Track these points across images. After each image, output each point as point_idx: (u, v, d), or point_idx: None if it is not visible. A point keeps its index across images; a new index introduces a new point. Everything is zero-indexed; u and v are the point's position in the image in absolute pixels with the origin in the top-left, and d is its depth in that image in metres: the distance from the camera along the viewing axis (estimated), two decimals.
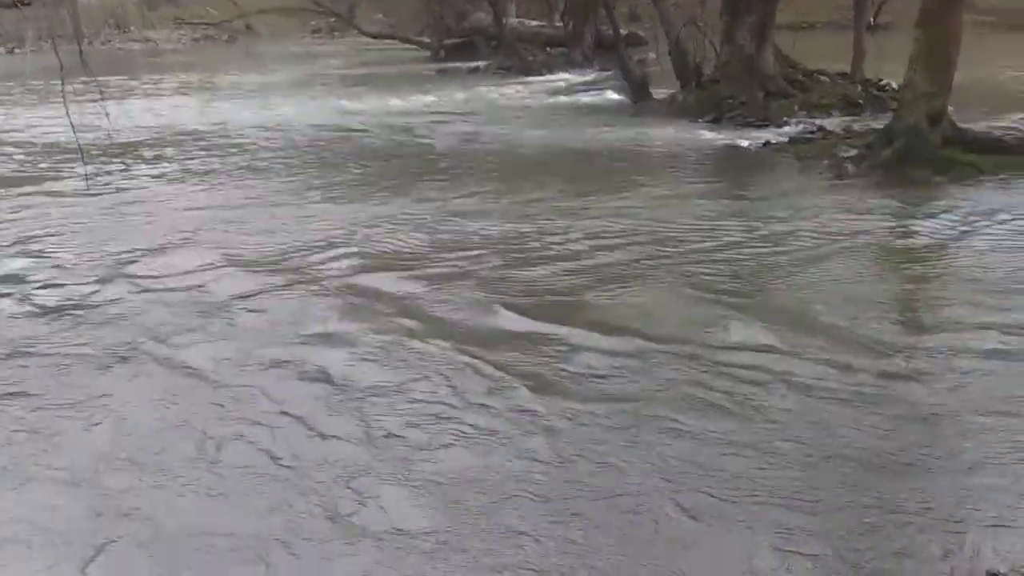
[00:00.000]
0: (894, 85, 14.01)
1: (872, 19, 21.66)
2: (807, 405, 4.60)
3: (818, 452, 4.14)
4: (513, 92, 18.47)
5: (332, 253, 7.52)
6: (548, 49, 23.45)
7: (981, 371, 4.93)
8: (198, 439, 4.40)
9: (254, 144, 13.23)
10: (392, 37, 29.52)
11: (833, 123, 12.65)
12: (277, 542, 3.56)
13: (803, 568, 3.31)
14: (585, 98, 17.21)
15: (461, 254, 7.41)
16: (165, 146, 13.26)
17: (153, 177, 11.15)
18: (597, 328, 5.71)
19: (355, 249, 7.61)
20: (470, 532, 3.58)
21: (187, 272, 7.09)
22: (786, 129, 12.53)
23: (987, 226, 7.83)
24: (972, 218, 8.07)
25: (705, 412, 4.54)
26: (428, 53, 26.90)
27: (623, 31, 18.74)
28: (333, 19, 33.90)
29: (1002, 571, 3.03)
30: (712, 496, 3.78)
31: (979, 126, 10.67)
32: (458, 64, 23.61)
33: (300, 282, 6.78)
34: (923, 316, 6.15)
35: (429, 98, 17.82)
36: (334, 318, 6.05)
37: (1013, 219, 8.01)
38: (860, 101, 14.04)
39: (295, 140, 13.57)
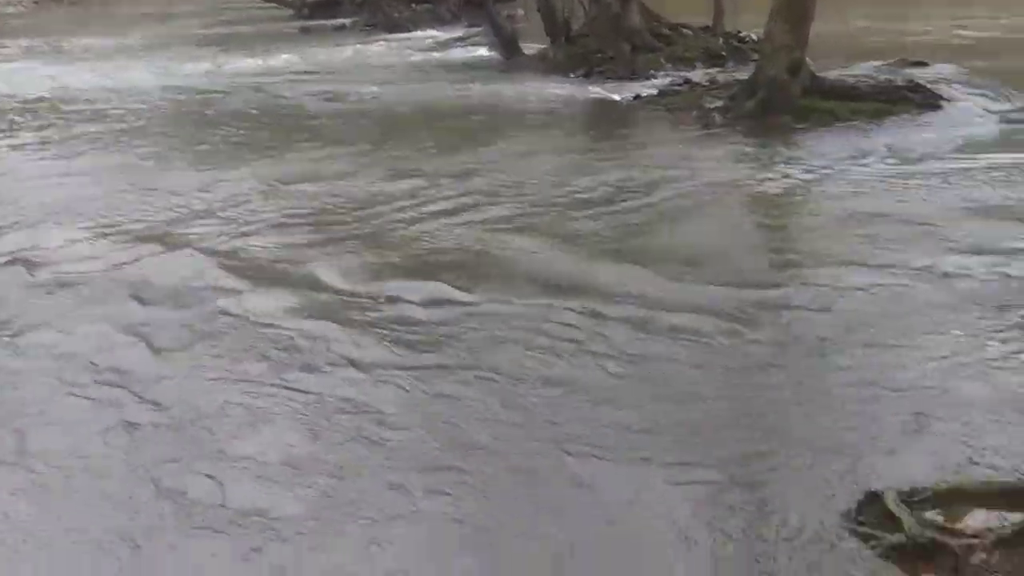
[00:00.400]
0: (754, 37, 14.49)
1: None
2: (689, 342, 4.80)
3: (706, 386, 4.34)
4: (381, 50, 18.17)
5: (201, 221, 7.32)
6: (414, 5, 23.13)
7: (848, 301, 5.25)
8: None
9: (112, 110, 12.62)
10: None
11: (698, 75, 12.98)
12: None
13: (698, 493, 3.49)
14: (455, 55, 17.09)
15: (337, 216, 7.34)
16: (17, 115, 12.50)
17: (10, 148, 10.53)
18: (488, 280, 5.79)
19: (227, 215, 7.43)
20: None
21: (54, 246, 6.77)
22: (654, 82, 12.80)
23: (846, 169, 8.27)
24: (832, 162, 8.50)
25: (595, 355, 4.68)
26: (290, 11, 26.09)
27: None
28: None
29: (881, 490, 3.24)
30: (606, 429, 3.92)
31: (834, 75, 11.19)
32: (322, 22, 23.03)
33: (169, 249, 6.61)
34: (793, 255, 6.48)
35: (293, 57, 17.33)
36: (208, 281, 5.93)
37: (869, 161, 8.49)
38: (722, 53, 14.46)
39: (155, 105, 13.04)
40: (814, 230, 6.80)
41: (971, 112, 10.38)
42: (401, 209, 7.38)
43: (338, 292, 5.70)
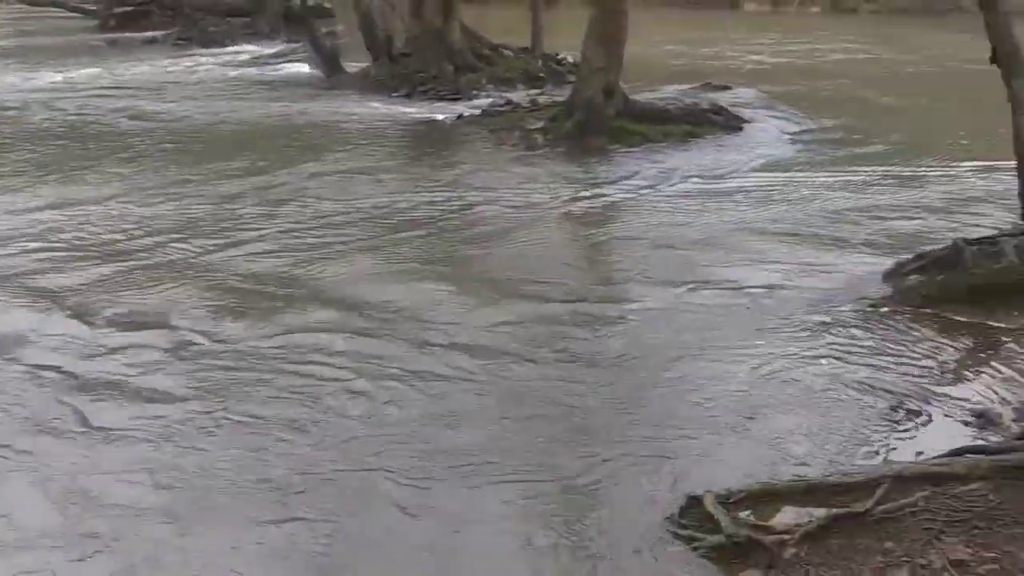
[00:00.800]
0: (571, 59, 15.02)
1: None
2: (507, 360, 4.97)
3: (526, 403, 4.50)
4: (194, 65, 17.55)
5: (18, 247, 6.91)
6: (230, 19, 22.45)
7: (660, 316, 5.57)
8: None
9: None
10: (52, 4, 26.82)
11: (519, 96, 13.29)
12: None
13: (526, 507, 3.63)
14: (274, 72, 16.73)
15: (145, 241, 7.10)
16: None
17: None
18: (305, 305, 5.77)
19: (28, 243, 7.03)
20: None
21: None
22: (477, 102, 13.02)
23: (657, 189, 8.74)
24: (644, 182, 8.98)
25: (421, 375, 4.76)
26: (96, 22, 24.75)
27: (309, 2, 18.39)
28: None
29: (700, 494, 3.48)
30: (429, 452, 4.01)
31: (645, 97, 11.78)
32: (131, 35, 21.95)
33: None
34: (609, 273, 6.82)
35: (98, 72, 16.47)
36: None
37: (678, 182, 9.00)
38: (541, 75, 14.89)
39: None
40: (627, 248, 7.15)
41: (770, 134, 11.19)
42: (207, 235, 7.20)
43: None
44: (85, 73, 16.22)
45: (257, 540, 3.46)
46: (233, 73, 16.54)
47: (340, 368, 4.87)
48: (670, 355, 5.02)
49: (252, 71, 16.77)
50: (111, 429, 4.26)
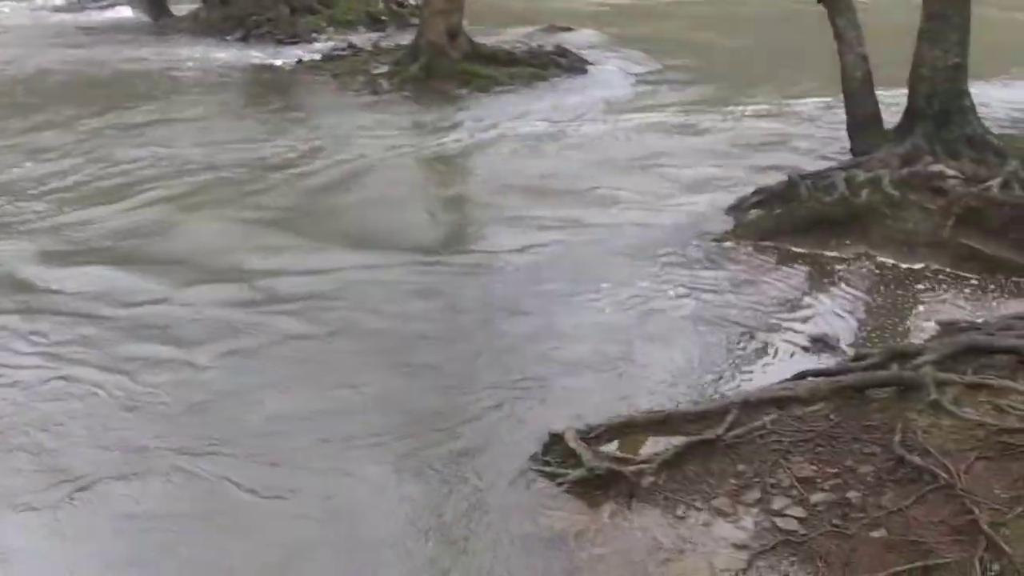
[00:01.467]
0: (413, 1, 14.71)
1: None
2: (363, 312, 4.90)
3: (384, 358, 4.44)
4: (9, 9, 16.21)
5: None
6: None
7: (518, 257, 5.60)
8: None
9: None
10: None
11: (361, 39, 12.94)
12: None
13: (398, 455, 3.60)
14: (95, 15, 15.64)
15: None
16: None
17: None
18: (143, 264, 5.50)
19: None
20: None
21: None
22: (317, 46, 12.59)
23: (505, 131, 8.70)
24: (492, 125, 8.92)
25: (277, 330, 4.63)
26: None
27: None
28: None
29: (561, 431, 3.53)
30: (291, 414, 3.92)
31: (490, 41, 11.69)
32: None
33: None
34: (458, 217, 6.77)
35: None
36: None
37: (525, 124, 8.99)
38: (384, 17, 14.51)
39: None
40: (477, 192, 7.15)
41: (613, 75, 11.31)
42: (45, 193, 6.73)
43: None
44: None
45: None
46: (50, 18, 15.36)
47: (187, 329, 4.66)
48: (524, 298, 5.05)
49: (69, 16, 15.61)
50: None
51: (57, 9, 16.24)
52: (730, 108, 9.54)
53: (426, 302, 5.02)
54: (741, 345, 4.44)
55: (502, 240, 5.91)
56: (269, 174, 7.28)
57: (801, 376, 3.84)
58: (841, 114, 6.88)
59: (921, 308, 4.93)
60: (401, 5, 15.14)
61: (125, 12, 15.40)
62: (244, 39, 13.02)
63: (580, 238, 5.94)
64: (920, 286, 5.15)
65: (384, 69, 10.75)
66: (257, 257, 5.60)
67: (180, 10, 14.64)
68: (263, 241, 5.90)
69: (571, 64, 11.36)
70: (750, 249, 5.63)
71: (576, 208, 6.49)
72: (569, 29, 14.10)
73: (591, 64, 11.58)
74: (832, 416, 3.49)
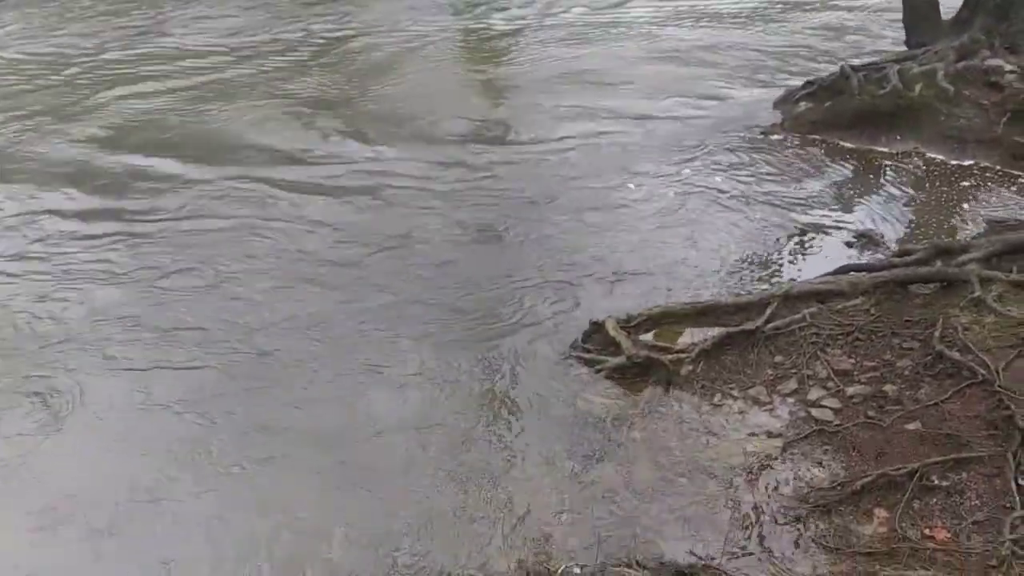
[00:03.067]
0: None
1: None
2: (416, 204, 4.93)
3: (432, 249, 4.49)
4: None
5: None
6: None
7: (562, 148, 5.57)
8: None
9: None
10: None
11: None
12: None
13: (441, 338, 3.69)
14: None
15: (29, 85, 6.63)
16: None
17: None
18: (199, 147, 5.54)
19: None
20: None
21: None
22: None
23: (543, 19, 8.57)
24: (530, 12, 8.77)
25: (321, 222, 4.69)
26: None
27: None
28: None
29: (602, 319, 3.58)
30: (346, 300, 4.00)
31: None
32: None
33: None
34: (499, 108, 6.68)
35: None
36: None
37: (563, 11, 8.78)
38: None
39: None
40: (518, 81, 7.04)
41: None
42: (79, 77, 6.78)
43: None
44: None
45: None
46: None
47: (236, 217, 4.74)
48: (569, 189, 5.04)
49: None
50: None
51: None
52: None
53: (467, 192, 5.04)
54: (784, 238, 4.42)
55: (542, 131, 5.87)
56: (304, 59, 7.24)
57: (844, 270, 3.84)
58: (898, 4, 6.61)
59: (968, 205, 4.86)
60: None
61: None
62: None
63: (625, 128, 5.87)
64: (968, 183, 5.06)
65: None
66: (300, 142, 5.63)
67: None
68: (304, 130, 5.90)
69: None
70: (797, 142, 5.54)
71: (619, 99, 6.40)
72: None
73: None
74: (872, 311, 3.50)
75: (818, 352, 3.34)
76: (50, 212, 4.83)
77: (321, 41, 7.67)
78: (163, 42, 7.71)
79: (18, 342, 3.77)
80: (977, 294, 3.41)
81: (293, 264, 4.30)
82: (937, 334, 3.26)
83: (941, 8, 6.44)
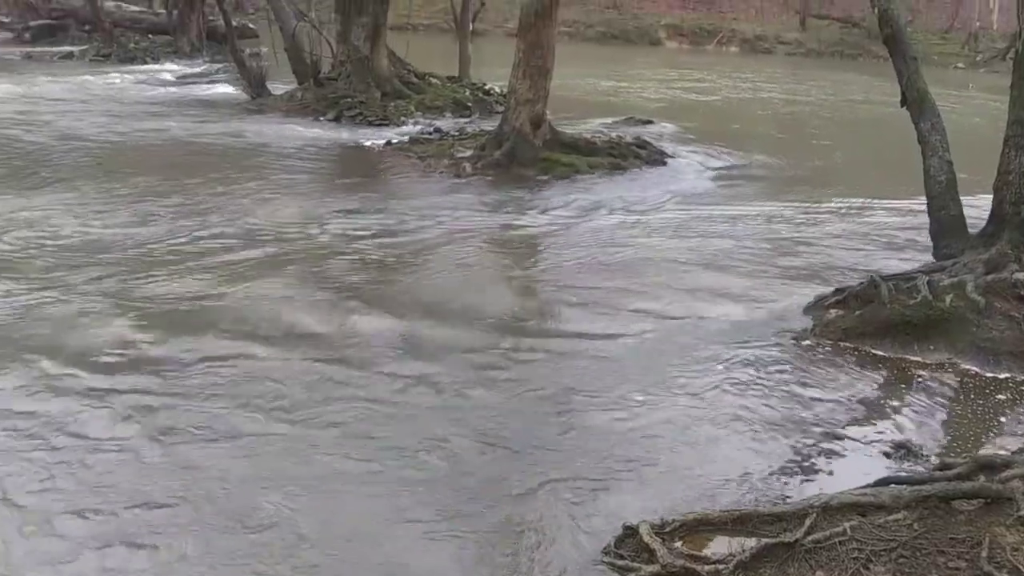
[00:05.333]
0: (497, 89, 15.17)
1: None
2: (445, 389, 4.94)
3: (454, 436, 4.46)
4: (115, 82, 17.19)
5: None
6: (151, 37, 22.07)
7: (597, 344, 5.61)
8: None
9: None
10: None
11: (447, 124, 13.39)
12: None
13: (469, 535, 3.61)
14: (198, 91, 16.50)
15: (71, 261, 6.87)
16: None
17: None
18: (232, 330, 5.65)
19: None
20: None
21: None
22: (405, 129, 13.07)
23: (585, 218, 8.86)
24: (572, 212, 9.09)
25: (346, 399, 4.71)
26: (9, 35, 24.03)
27: (232, 22, 18.17)
28: None
29: (635, 524, 3.52)
30: (366, 484, 3.96)
31: (572, 130, 11.97)
32: (47, 49, 21.40)
33: None
34: (533, 301, 6.84)
35: (13, 87, 15.97)
36: None
37: (605, 212, 9.13)
38: (469, 104, 15.01)
39: None
40: (553, 277, 7.19)
41: (691, 168, 11.49)
42: (142, 253, 7.03)
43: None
44: (5, 89, 15.67)
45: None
46: (155, 92, 16.26)
47: (271, 400, 4.78)
48: (596, 386, 5.04)
49: (174, 90, 16.50)
50: None
51: (164, 83, 17.17)
52: (811, 205, 9.58)
53: (496, 380, 5.06)
54: (820, 447, 4.37)
55: (574, 327, 5.95)
56: (349, 249, 7.49)
57: (883, 482, 3.77)
58: (925, 217, 6.82)
59: (1005, 419, 4.81)
60: (487, 93, 15.65)
61: (226, 89, 16.21)
62: (336, 119, 13.58)
63: (654, 328, 5.94)
64: (1004, 396, 5.03)
65: (468, 153, 11.07)
66: (330, 323, 5.74)
67: (278, 89, 15.32)
68: (339, 314, 6.03)
69: (651, 156, 11.55)
70: (829, 349, 5.58)
71: (651, 298, 6.52)
72: (650, 122, 14.42)
73: (671, 156, 11.78)
74: (916, 526, 3.40)
75: (860, 568, 3.23)
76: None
77: (355, 229, 7.96)
78: (209, 222, 8.02)
79: None
80: (1023, 512, 3.33)
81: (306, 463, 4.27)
82: (984, 554, 3.15)
83: (967, 221, 6.64)
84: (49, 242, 7.30)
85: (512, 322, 6.08)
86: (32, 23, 23.89)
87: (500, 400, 4.86)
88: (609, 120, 14.39)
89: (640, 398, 4.90)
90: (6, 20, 24.92)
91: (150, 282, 6.45)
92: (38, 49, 21.55)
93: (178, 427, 4.40)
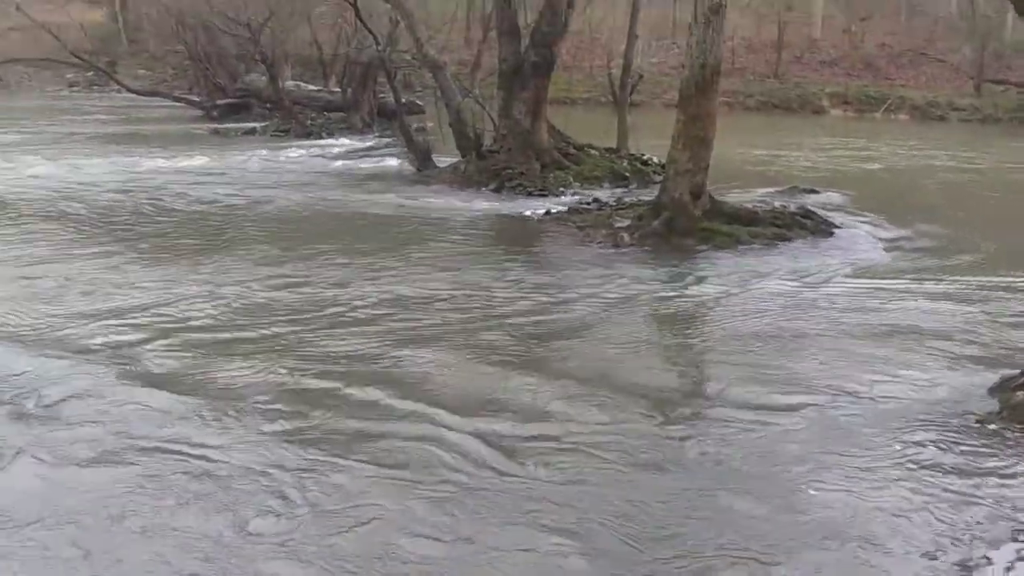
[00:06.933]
0: (656, 160, 15.20)
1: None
2: (608, 465, 4.86)
3: (633, 517, 4.38)
4: (293, 155, 18.26)
5: (116, 323, 7.13)
6: (327, 113, 23.40)
7: (749, 428, 5.40)
8: None
9: (10, 204, 12.26)
10: (158, 94, 28.39)
11: (605, 195, 13.50)
12: None
13: None
14: (367, 164, 17.30)
15: (254, 321, 7.25)
16: None
17: None
18: (395, 392, 5.78)
19: (138, 319, 7.25)
20: None
21: None
22: (564, 199, 13.25)
23: (748, 290, 8.64)
24: (734, 283, 8.88)
25: (503, 474, 4.71)
26: (199, 112, 26.05)
27: (402, 99, 19.03)
28: (91, 73, 32.20)
29: None
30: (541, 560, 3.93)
31: (732, 199, 11.79)
32: (232, 125, 23.04)
33: (90, 353, 6.39)
34: (695, 375, 6.69)
35: (203, 159, 17.24)
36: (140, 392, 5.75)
37: (769, 284, 8.89)
38: (627, 174, 15.08)
39: (56, 203, 12.55)
40: (717, 351, 7.03)
41: (861, 239, 11.05)
42: (308, 320, 7.32)
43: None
44: (195, 162, 16.94)
45: None
46: (332, 165, 17.17)
47: (431, 466, 4.85)
48: (763, 468, 4.84)
49: (346, 163, 17.37)
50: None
51: (336, 157, 18.13)
52: (988, 279, 9.04)
53: (649, 460, 4.94)
54: (1011, 541, 4.04)
55: (738, 404, 5.76)
56: (508, 317, 7.57)
57: None
58: None
59: None
60: (645, 163, 15.70)
61: (394, 162, 16.95)
62: (497, 190, 13.92)
63: (826, 404, 5.69)
64: None
65: (626, 223, 11.07)
66: (492, 398, 5.78)
67: (443, 161, 15.88)
68: (497, 382, 6.07)
69: (816, 226, 11.21)
70: (1018, 434, 5.19)
71: (822, 372, 6.27)
72: (813, 191, 14.09)
73: (837, 227, 11.40)
74: None
75: None
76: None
77: (515, 298, 8.04)
78: (373, 288, 8.29)
79: None
80: None
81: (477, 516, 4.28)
82: None
83: None
84: (236, 303, 7.76)
85: (675, 396, 5.97)
86: (220, 102, 25.80)
87: (659, 478, 4.75)
88: (771, 189, 14.13)
89: (812, 480, 4.68)
90: (197, 99, 27.02)
91: (321, 342, 6.73)
92: (224, 125, 23.20)
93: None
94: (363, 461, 4.82)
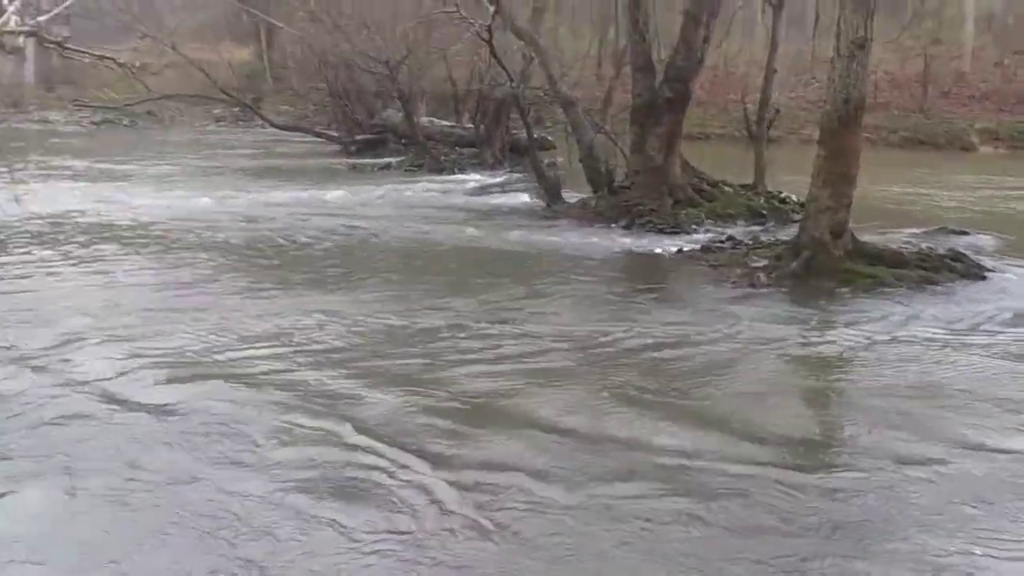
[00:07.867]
0: (795, 198, 14.74)
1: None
2: (729, 509, 4.66)
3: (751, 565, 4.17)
4: (426, 190, 18.61)
5: (259, 350, 7.34)
6: (459, 149, 23.79)
7: (902, 485, 5.07)
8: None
9: (159, 235, 12.88)
10: (300, 129, 29.49)
11: (740, 232, 13.14)
12: None
13: None
14: (498, 199, 17.45)
15: (383, 352, 7.34)
16: (66, 234, 12.71)
17: (57, 265, 10.69)
18: (526, 429, 5.71)
19: (280, 347, 7.44)
20: None
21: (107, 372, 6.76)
22: (696, 237, 12.96)
23: (893, 336, 8.20)
24: (878, 328, 8.46)
25: (639, 514, 4.55)
26: (338, 147, 26.94)
27: (533, 135, 19.16)
28: (238, 108, 33.79)
29: None
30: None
31: (873, 239, 11.28)
32: (369, 160, 23.71)
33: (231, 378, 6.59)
34: (837, 425, 6.37)
35: (339, 192, 17.75)
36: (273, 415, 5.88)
37: (916, 329, 8.42)
38: (764, 212, 14.68)
39: (202, 234, 13.10)
40: (860, 400, 6.66)
41: (1015, 284, 10.38)
42: (432, 353, 7.35)
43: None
44: (334, 195, 17.46)
45: None
46: (460, 200, 17.39)
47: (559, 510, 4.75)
48: (919, 530, 4.53)
49: (477, 199, 17.56)
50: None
51: (468, 192, 18.39)
52: None
53: (790, 516, 4.68)
54: None
55: (888, 458, 5.42)
56: (639, 356, 7.43)
57: None
58: None
59: None
60: (783, 201, 15.25)
61: (524, 198, 17.02)
62: (628, 227, 13.74)
63: (981, 464, 5.31)
64: None
65: (763, 263, 10.73)
66: (624, 437, 5.64)
67: (573, 197, 15.85)
68: (629, 421, 5.94)
69: (967, 269, 10.61)
70: None
71: (975, 428, 5.86)
72: (964, 233, 13.38)
73: (990, 271, 10.75)
74: None
75: None
76: None
77: (658, 343, 7.86)
78: (502, 324, 8.27)
79: None
80: None
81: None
82: None
83: None
84: (371, 334, 7.87)
85: (810, 444, 5.70)
86: (357, 137, 26.60)
87: (797, 536, 4.50)
88: (917, 230, 13.49)
89: (973, 548, 4.34)
90: (336, 135, 27.96)
91: (452, 375, 6.75)
92: (361, 160, 23.90)
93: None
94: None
